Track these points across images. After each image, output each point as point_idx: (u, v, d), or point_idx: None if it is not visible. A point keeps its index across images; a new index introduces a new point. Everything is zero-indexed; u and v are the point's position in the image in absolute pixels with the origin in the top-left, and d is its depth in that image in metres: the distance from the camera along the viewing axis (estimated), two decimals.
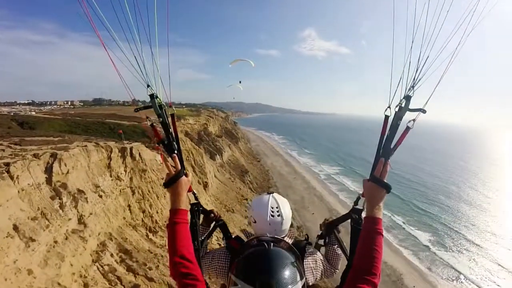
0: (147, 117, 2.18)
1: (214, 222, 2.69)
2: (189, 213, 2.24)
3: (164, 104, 2.22)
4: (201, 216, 2.56)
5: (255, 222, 2.43)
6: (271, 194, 2.53)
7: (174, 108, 2.29)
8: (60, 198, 13.96)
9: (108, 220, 16.47)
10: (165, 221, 17.91)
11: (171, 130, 2.23)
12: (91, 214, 15.29)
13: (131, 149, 20.75)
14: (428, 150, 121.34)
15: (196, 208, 2.45)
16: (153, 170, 22.05)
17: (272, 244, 1.70)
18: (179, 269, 1.73)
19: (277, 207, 2.41)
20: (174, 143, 2.21)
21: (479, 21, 1.76)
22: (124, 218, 17.90)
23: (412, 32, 1.85)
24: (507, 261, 35.00)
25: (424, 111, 1.90)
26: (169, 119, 2.25)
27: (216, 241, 13.70)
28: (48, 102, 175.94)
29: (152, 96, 2.14)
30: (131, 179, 20.07)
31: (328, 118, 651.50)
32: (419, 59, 1.89)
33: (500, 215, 49.52)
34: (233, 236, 2.46)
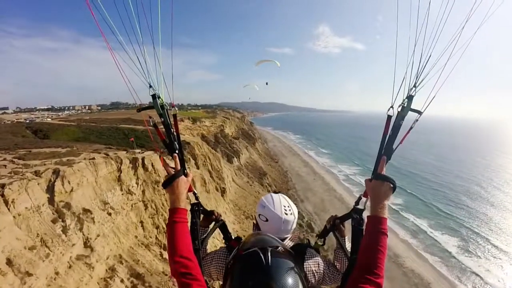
0: (150, 117, 2.21)
1: (214, 223, 2.63)
2: (189, 213, 2.21)
3: (166, 104, 2.20)
4: (201, 216, 2.52)
5: (266, 220, 2.35)
6: (279, 194, 2.53)
7: (176, 109, 2.26)
8: (63, 221, 12.52)
9: (118, 240, 14.94)
10: None
11: (173, 130, 2.22)
12: (98, 236, 13.80)
13: (143, 159, 19.22)
14: (446, 146, 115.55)
15: (196, 208, 2.41)
16: None
17: (270, 251, 1.58)
18: (178, 268, 1.70)
19: (288, 206, 2.40)
20: (176, 143, 2.19)
21: (483, 22, 1.80)
22: (136, 236, 16.33)
23: (416, 32, 1.86)
24: None
25: (420, 113, 1.98)
26: (172, 119, 2.23)
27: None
28: (67, 107, 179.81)
29: (154, 97, 2.15)
30: (143, 192, 18.51)
31: (344, 115, 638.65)
32: (420, 59, 1.91)
33: None
34: (233, 237, 2.45)
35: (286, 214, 2.34)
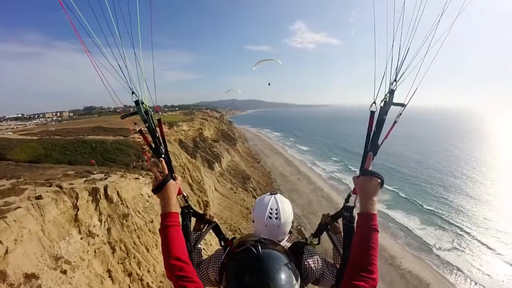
0: (135, 123, 2.20)
1: (207, 225, 2.59)
2: (180, 216, 2.18)
3: (150, 109, 2.19)
4: (193, 220, 2.50)
5: (253, 222, 2.39)
6: (273, 195, 2.43)
7: (161, 113, 2.28)
8: None
9: None
10: (159, 281, 12.73)
11: (158, 134, 2.23)
12: None
13: (105, 188, 15.62)
14: (422, 138, 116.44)
15: (187, 210, 2.39)
16: (139, 212, 16.88)
17: (260, 246, 1.67)
18: (174, 271, 1.70)
19: (276, 209, 2.30)
20: (162, 147, 2.21)
21: (460, 12, 1.87)
22: None
23: (393, 26, 1.87)
24: None
25: (404, 106, 1.98)
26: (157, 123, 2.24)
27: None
28: (36, 115, 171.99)
29: (137, 103, 2.15)
30: (108, 231, 14.97)
31: (321, 110, 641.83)
32: (399, 52, 1.92)
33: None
34: (228, 238, 2.40)
35: (270, 218, 2.26)
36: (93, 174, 18.23)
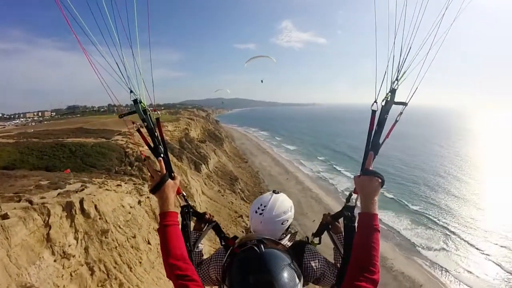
0: (133, 122, 2.21)
1: (207, 224, 2.58)
2: (179, 215, 2.17)
3: (148, 108, 2.17)
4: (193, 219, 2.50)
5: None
6: (274, 193, 2.42)
7: (158, 112, 2.24)
8: None
9: None
10: None
11: (157, 134, 2.19)
12: None
13: (81, 201, 14.17)
14: (411, 137, 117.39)
15: (187, 210, 2.38)
16: (119, 227, 15.45)
17: (263, 245, 1.64)
18: (174, 271, 1.68)
19: (264, 206, 2.27)
20: (160, 146, 2.17)
21: (460, 11, 1.81)
22: None
23: (394, 25, 1.84)
24: None
25: (405, 105, 1.95)
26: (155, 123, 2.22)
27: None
28: (17, 115, 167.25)
29: (135, 102, 2.11)
30: (86, 250, 13.55)
31: (309, 109, 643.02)
32: (401, 51, 1.89)
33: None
34: (229, 237, 2.33)
35: (256, 212, 2.27)
36: (69, 184, 16.78)
